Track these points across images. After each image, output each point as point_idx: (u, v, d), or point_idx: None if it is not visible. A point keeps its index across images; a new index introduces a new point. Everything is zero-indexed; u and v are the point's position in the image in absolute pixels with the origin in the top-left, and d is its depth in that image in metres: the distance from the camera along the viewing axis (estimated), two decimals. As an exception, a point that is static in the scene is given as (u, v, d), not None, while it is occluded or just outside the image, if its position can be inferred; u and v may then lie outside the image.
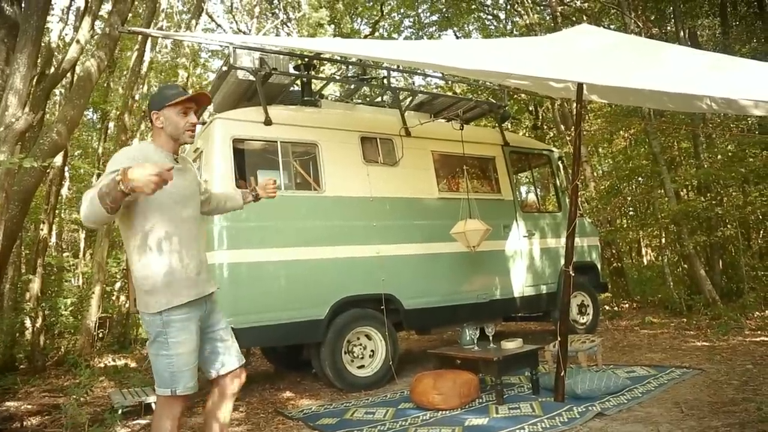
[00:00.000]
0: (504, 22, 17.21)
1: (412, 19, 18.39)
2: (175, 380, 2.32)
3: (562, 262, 4.92)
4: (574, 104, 5.10)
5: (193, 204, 2.51)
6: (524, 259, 6.50)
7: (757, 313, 7.50)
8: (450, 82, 13.76)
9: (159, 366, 2.34)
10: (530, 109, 16.18)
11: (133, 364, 7.92)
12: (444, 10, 16.50)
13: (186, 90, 2.50)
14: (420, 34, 17.82)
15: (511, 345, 4.50)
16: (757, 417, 3.32)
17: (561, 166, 7.45)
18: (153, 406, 4.58)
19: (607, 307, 9.79)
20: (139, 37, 10.52)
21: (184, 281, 2.34)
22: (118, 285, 10.96)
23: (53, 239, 12.69)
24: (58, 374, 7.36)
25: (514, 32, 15.69)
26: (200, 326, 2.44)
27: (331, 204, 5.21)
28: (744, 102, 4.42)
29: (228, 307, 4.25)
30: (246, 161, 5.07)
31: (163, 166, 1.94)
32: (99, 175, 12.52)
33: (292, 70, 5.61)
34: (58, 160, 9.55)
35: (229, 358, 2.55)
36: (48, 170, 7.83)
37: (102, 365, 7.83)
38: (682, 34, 10.12)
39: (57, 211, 11.25)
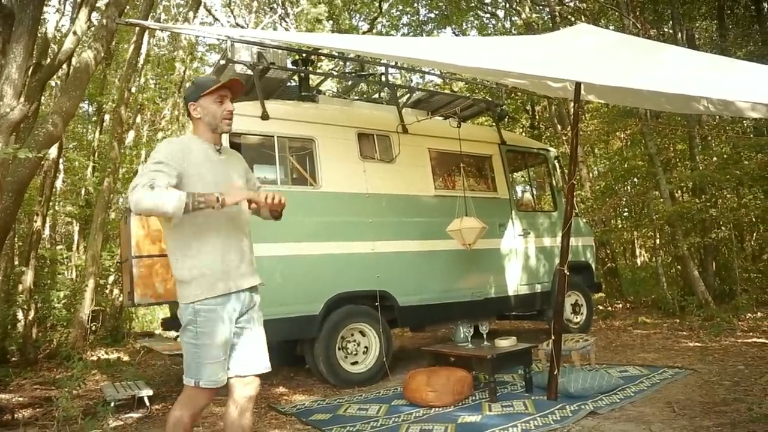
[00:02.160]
0: (502, 20, 17.22)
1: (410, 16, 18.37)
2: (200, 372, 2.29)
3: (557, 261, 4.93)
4: (572, 104, 5.11)
5: None
6: (519, 258, 6.51)
7: (749, 314, 7.55)
8: (448, 80, 13.75)
9: (187, 355, 2.33)
10: (527, 108, 16.20)
11: (125, 358, 7.91)
12: (443, 7, 16.48)
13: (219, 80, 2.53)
14: (418, 31, 17.81)
15: (505, 343, 4.52)
16: (748, 417, 3.34)
17: (557, 165, 7.46)
18: (145, 399, 4.58)
19: (600, 307, 9.83)
20: (136, 29, 10.47)
21: (220, 274, 2.33)
22: (111, 278, 10.92)
23: (47, 231, 12.63)
24: (51, 367, 7.34)
25: (513, 31, 15.70)
26: (234, 319, 2.37)
27: (327, 200, 5.20)
28: (741, 104, 4.44)
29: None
30: (243, 155, 5.03)
31: (249, 194, 2.30)
32: (94, 168, 12.50)
33: (290, 65, 5.59)
34: (53, 151, 9.49)
35: (252, 360, 2.43)
36: (42, 162, 7.78)
37: (95, 358, 7.82)
38: (679, 35, 10.14)
39: (51, 204, 11.20)
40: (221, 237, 2.37)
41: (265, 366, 2.48)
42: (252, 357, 2.43)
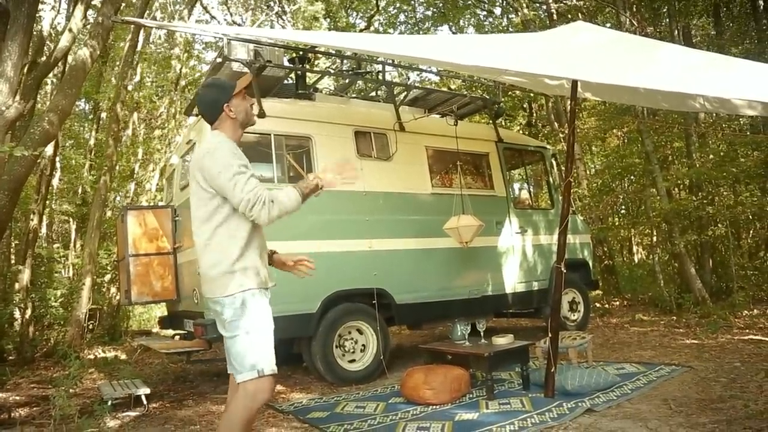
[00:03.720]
0: (499, 18, 17.22)
1: (407, 14, 18.35)
2: (262, 359, 2.28)
3: (554, 258, 4.93)
4: (569, 101, 5.11)
5: None
6: (516, 256, 6.52)
7: (745, 311, 7.57)
8: (445, 78, 13.74)
9: (239, 348, 2.29)
10: (524, 105, 16.20)
11: (122, 356, 7.89)
12: (440, 5, 16.46)
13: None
14: (415, 29, 17.80)
15: (502, 341, 4.52)
16: (744, 414, 3.35)
17: (554, 163, 7.47)
18: (143, 398, 4.57)
19: (597, 305, 9.84)
20: (132, 27, 10.42)
21: (258, 269, 2.39)
22: (108, 277, 10.90)
23: (43, 230, 12.59)
24: (48, 366, 7.32)
25: (510, 29, 15.69)
26: None
27: (323, 198, 5.16)
28: (737, 101, 4.44)
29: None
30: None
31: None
32: (91, 166, 12.46)
33: (286, 63, 5.57)
34: (49, 150, 9.45)
35: None
36: (39, 160, 7.75)
37: (92, 357, 7.80)
38: (676, 33, 10.16)
39: (47, 202, 11.16)
40: (260, 235, 2.46)
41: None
42: None
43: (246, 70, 5.07)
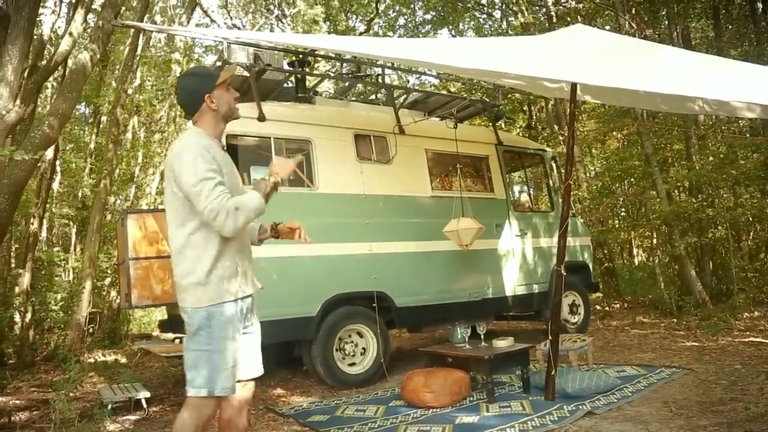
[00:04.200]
0: (499, 21, 17.24)
1: (407, 18, 18.38)
2: (215, 379, 2.18)
3: (554, 261, 4.93)
4: (568, 104, 5.12)
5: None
6: (516, 258, 6.52)
7: (746, 314, 7.56)
8: (444, 81, 13.77)
9: (196, 363, 2.20)
10: (524, 108, 16.22)
11: (123, 360, 7.89)
12: (440, 8, 16.49)
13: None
14: (415, 32, 17.83)
15: (503, 343, 4.52)
16: (745, 416, 3.35)
17: (554, 165, 7.47)
18: (143, 402, 4.57)
19: (598, 307, 9.83)
20: (132, 30, 10.45)
21: (235, 276, 2.28)
22: (108, 280, 10.90)
23: (44, 234, 12.60)
24: (48, 369, 7.32)
25: (509, 32, 15.72)
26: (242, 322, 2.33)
27: (324, 201, 5.20)
28: (736, 104, 4.45)
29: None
30: (239, 157, 5.03)
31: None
32: (91, 170, 12.48)
33: (286, 67, 5.58)
34: (50, 153, 9.46)
35: (251, 364, 2.40)
36: (39, 164, 7.76)
37: (92, 361, 7.80)
38: (675, 35, 10.17)
39: (48, 206, 11.17)
40: (237, 240, 2.32)
41: (261, 369, 2.46)
42: (251, 361, 2.40)
43: (246, 73, 5.09)
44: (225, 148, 2.39)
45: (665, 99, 4.97)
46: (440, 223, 5.56)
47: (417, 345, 6.89)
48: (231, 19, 18.15)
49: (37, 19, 6.41)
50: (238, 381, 2.33)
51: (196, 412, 2.20)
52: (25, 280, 8.70)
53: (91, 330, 9.53)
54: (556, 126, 13.48)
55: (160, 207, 8.61)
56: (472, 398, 4.35)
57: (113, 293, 10.61)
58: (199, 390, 2.18)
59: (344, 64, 6.75)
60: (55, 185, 12.44)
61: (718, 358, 5.23)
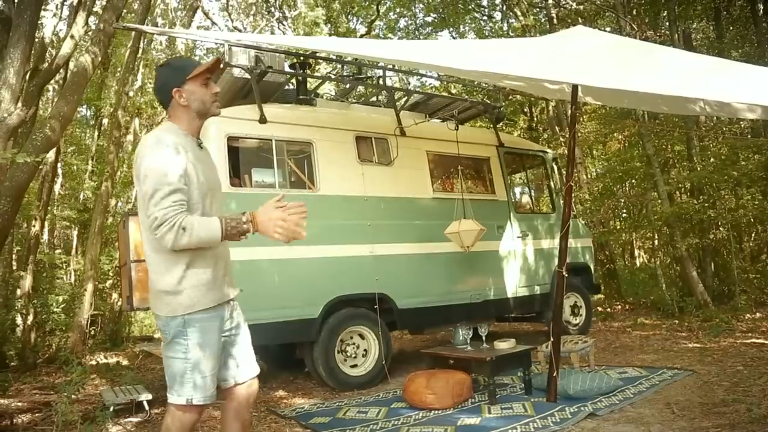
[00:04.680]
0: (499, 23, 17.25)
1: (407, 20, 18.40)
2: (193, 388, 2.11)
3: (556, 263, 4.93)
4: (569, 106, 5.12)
5: (219, 197, 2.30)
6: (518, 260, 6.51)
7: (748, 315, 7.56)
8: (445, 83, 13.77)
9: (175, 371, 2.12)
10: (525, 110, 16.21)
11: (124, 362, 7.89)
12: (441, 10, 16.50)
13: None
14: (416, 34, 17.84)
15: (504, 345, 4.51)
16: (747, 418, 3.34)
17: (555, 167, 7.47)
18: (145, 404, 4.57)
19: (599, 309, 9.83)
20: (133, 33, 10.47)
21: (210, 283, 2.17)
22: (110, 282, 10.92)
23: (45, 236, 12.62)
24: (50, 372, 7.32)
25: (510, 34, 15.73)
26: (222, 329, 2.24)
27: (325, 203, 5.20)
28: (737, 105, 4.45)
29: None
30: (241, 159, 5.06)
31: (285, 210, 2.15)
32: (92, 172, 12.50)
33: (287, 69, 5.60)
34: (51, 156, 9.49)
35: (245, 366, 2.34)
36: (40, 166, 7.78)
37: (94, 363, 7.80)
38: (676, 36, 10.17)
39: (49, 208, 11.19)
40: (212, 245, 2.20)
41: (257, 368, 2.41)
42: (246, 362, 2.36)
43: (247, 75, 5.10)
44: (201, 145, 2.26)
45: (666, 100, 4.97)
46: (442, 224, 5.56)
47: (419, 347, 6.89)
48: (232, 21, 18.19)
49: (39, 22, 6.43)
50: (241, 383, 2.31)
51: (178, 420, 2.15)
52: (27, 282, 8.73)
53: (92, 332, 9.55)
54: (557, 127, 13.48)
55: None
56: (473, 400, 4.34)
57: (115, 295, 10.62)
58: (178, 398, 2.13)
59: (345, 66, 6.75)
60: (57, 188, 12.47)
61: (720, 359, 5.22)
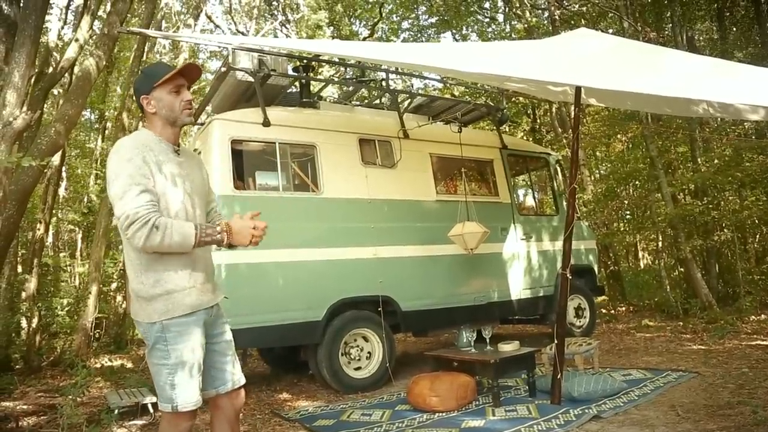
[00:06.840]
0: (502, 25, 17.26)
1: (410, 22, 18.43)
2: (176, 394, 2.08)
3: (560, 265, 4.93)
4: (573, 107, 5.12)
5: (201, 203, 2.29)
6: (521, 262, 6.51)
7: (753, 316, 7.53)
8: (448, 85, 13.78)
9: (159, 378, 2.10)
10: (528, 112, 16.21)
11: (129, 365, 7.91)
12: (443, 12, 16.52)
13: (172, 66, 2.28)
14: (419, 36, 17.86)
15: (508, 347, 4.51)
16: (752, 420, 3.33)
17: (559, 169, 7.47)
18: (149, 407, 4.58)
19: (603, 311, 9.80)
20: (138, 37, 10.50)
21: (188, 290, 2.13)
22: (114, 285, 10.94)
23: (50, 239, 12.66)
24: (54, 374, 7.34)
25: (513, 36, 15.73)
26: (204, 334, 2.20)
27: (329, 205, 5.21)
28: (741, 106, 4.44)
29: (225, 308, 4.24)
30: (244, 162, 5.07)
31: (259, 223, 2.17)
32: (97, 176, 12.54)
33: (290, 72, 5.61)
34: (56, 159, 9.53)
35: (230, 374, 2.29)
36: (45, 170, 7.81)
37: (98, 365, 7.82)
38: (679, 38, 10.16)
39: (54, 211, 11.23)
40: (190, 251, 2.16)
41: (243, 378, 2.36)
42: (232, 371, 2.31)
43: (250, 79, 5.12)
44: (178, 152, 2.22)
45: (670, 102, 4.97)
46: (445, 227, 5.56)
47: (422, 349, 6.89)
48: (235, 24, 18.25)
49: (44, 26, 6.46)
50: (223, 394, 2.27)
51: (172, 426, 2.14)
52: (32, 285, 8.76)
53: (97, 335, 9.57)
54: (560, 129, 13.47)
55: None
56: (478, 402, 4.34)
57: (119, 298, 10.65)
58: (165, 406, 2.11)
59: (348, 69, 6.78)
60: (62, 191, 12.51)
61: (725, 361, 5.20)
